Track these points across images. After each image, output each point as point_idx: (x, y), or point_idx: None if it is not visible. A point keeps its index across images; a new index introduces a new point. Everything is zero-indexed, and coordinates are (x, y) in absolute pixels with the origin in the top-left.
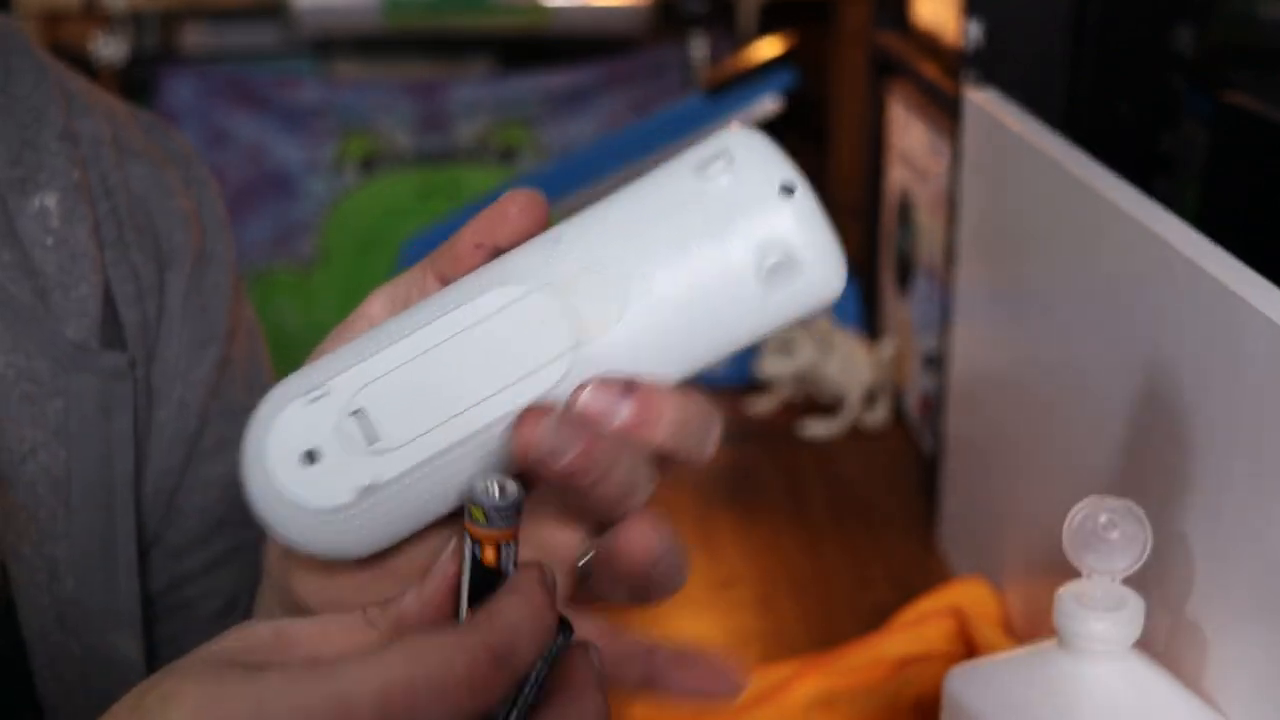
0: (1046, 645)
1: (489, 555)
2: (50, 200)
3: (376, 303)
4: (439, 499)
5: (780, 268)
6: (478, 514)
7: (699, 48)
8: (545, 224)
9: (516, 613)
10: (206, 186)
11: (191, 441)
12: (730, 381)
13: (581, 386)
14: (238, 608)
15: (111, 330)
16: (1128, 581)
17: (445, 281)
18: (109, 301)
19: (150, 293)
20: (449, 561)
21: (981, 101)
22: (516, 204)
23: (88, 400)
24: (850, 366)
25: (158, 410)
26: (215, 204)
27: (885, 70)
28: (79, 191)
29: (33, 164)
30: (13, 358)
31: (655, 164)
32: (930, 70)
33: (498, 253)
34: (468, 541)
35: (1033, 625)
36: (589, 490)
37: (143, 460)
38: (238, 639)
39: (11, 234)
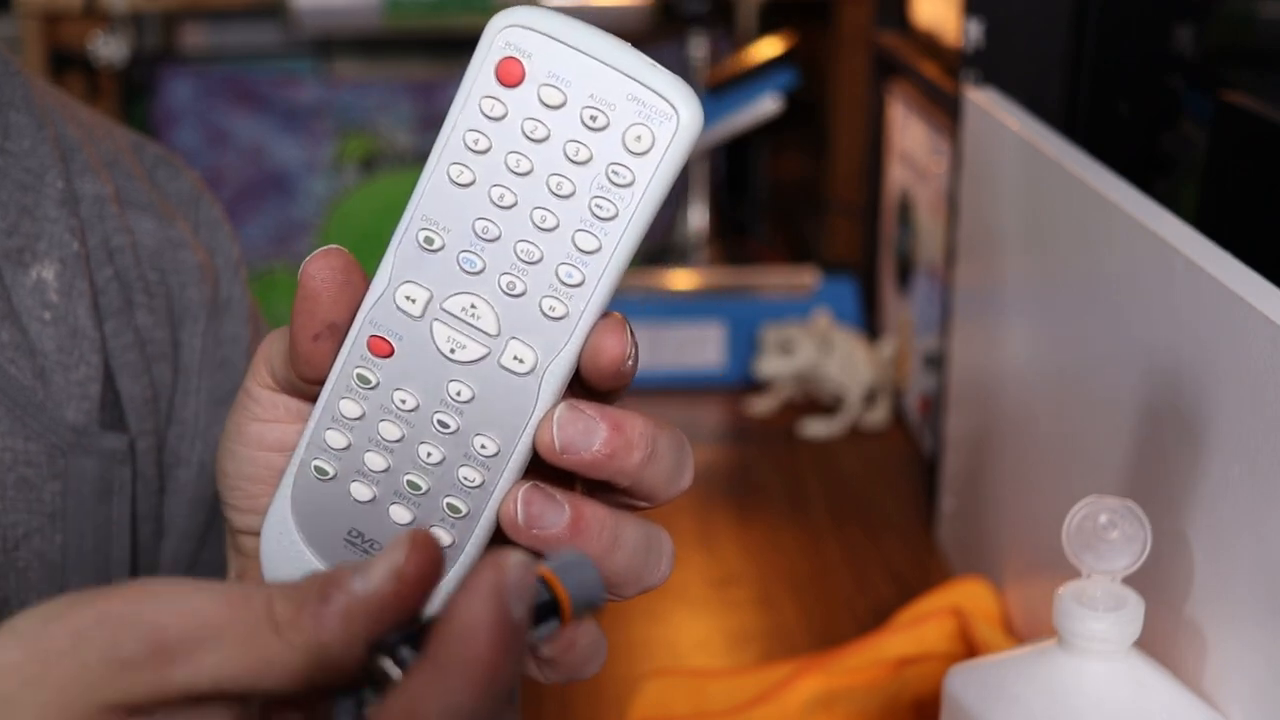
0: (1046, 645)
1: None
2: (48, 273)
3: (275, 404)
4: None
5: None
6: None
7: (699, 47)
8: (354, 267)
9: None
10: (219, 228)
11: (213, 504)
12: (730, 381)
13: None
14: None
15: (113, 410)
16: (1128, 581)
17: (311, 382)
18: (109, 380)
19: (160, 359)
20: (422, 542)
21: (981, 101)
22: (318, 275)
23: (86, 484)
24: (850, 366)
25: (177, 472)
26: (228, 246)
27: (885, 70)
28: (79, 262)
29: (30, 233)
30: (10, 441)
31: None
32: (930, 70)
33: (341, 330)
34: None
35: (1032, 625)
36: (635, 473)
37: (160, 531)
38: (110, 641)
39: (10, 311)
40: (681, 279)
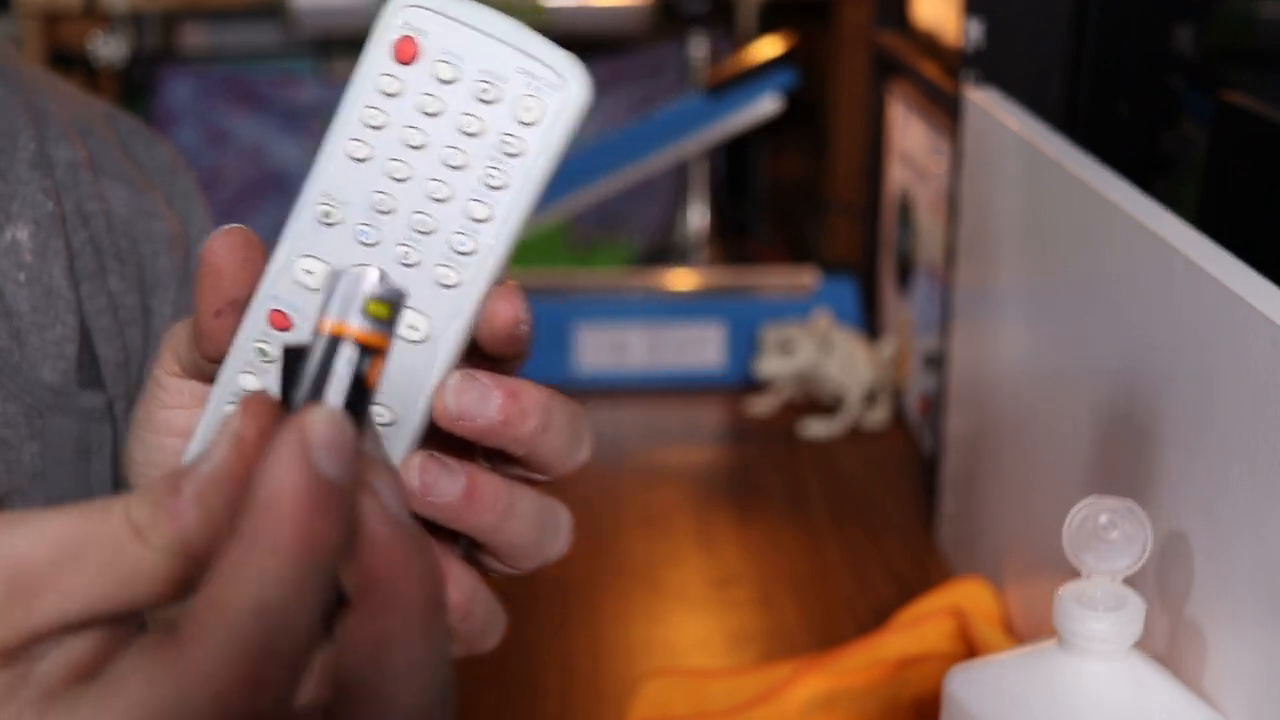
0: (1046, 645)
1: (376, 372)
2: (23, 233)
3: (182, 390)
4: None
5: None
6: (381, 310)
7: (699, 47)
8: (255, 245)
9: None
10: (193, 199)
11: None
12: (730, 381)
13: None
14: None
15: (90, 370)
16: (1128, 581)
17: (213, 360)
18: (86, 340)
19: (131, 323)
20: (254, 404)
21: (981, 101)
22: (220, 252)
23: (65, 444)
24: (850, 366)
25: None
26: (202, 218)
27: (885, 70)
28: (53, 223)
29: (3, 194)
30: None
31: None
32: (930, 70)
33: (242, 306)
34: (350, 353)
35: (1033, 625)
36: (530, 441)
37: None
38: None
39: None
40: (681, 279)
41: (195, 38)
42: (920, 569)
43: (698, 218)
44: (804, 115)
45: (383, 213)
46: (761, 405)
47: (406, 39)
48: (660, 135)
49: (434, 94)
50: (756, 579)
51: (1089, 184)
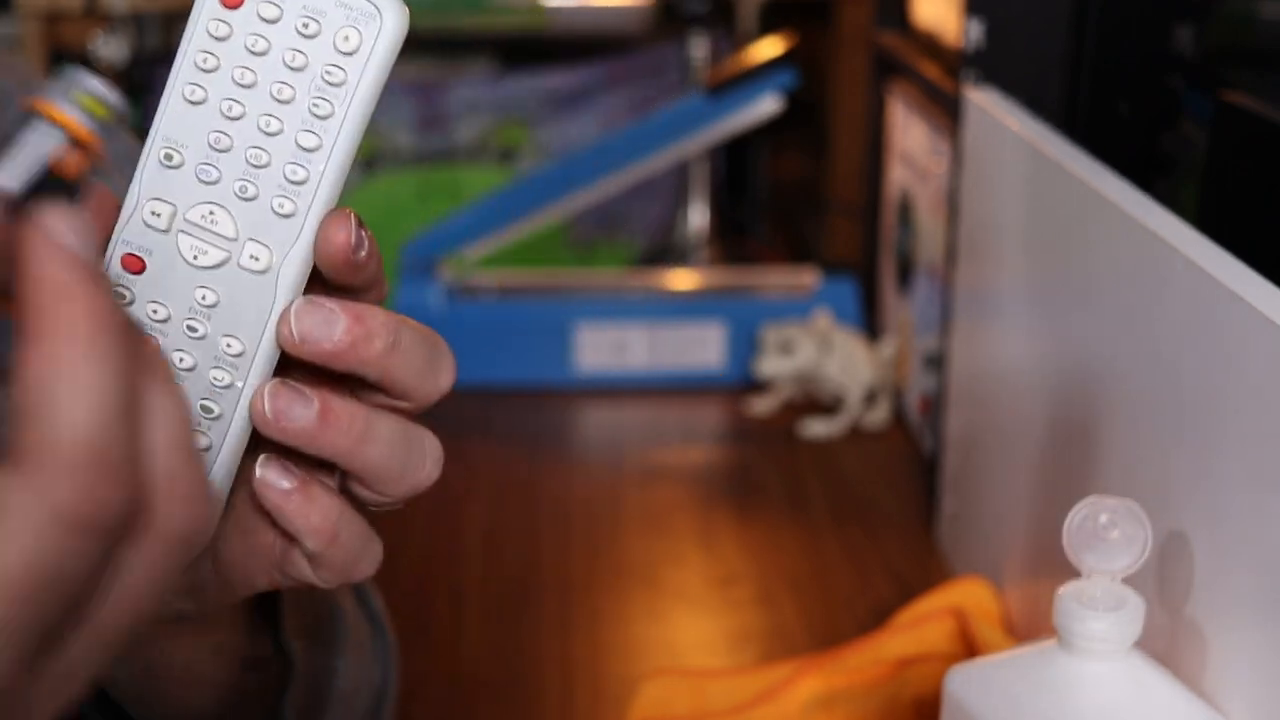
0: (1047, 645)
1: (73, 163)
2: None
3: None
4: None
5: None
6: (91, 104)
7: (699, 48)
8: (106, 196)
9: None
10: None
11: None
12: (730, 381)
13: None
14: None
15: None
16: (1128, 581)
17: None
18: None
19: None
20: None
21: (981, 101)
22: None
23: None
24: (850, 366)
25: None
26: None
27: (885, 70)
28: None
29: None
30: None
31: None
32: (930, 70)
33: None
34: (43, 133)
35: (1033, 625)
36: (379, 363)
37: None
38: None
39: None
40: (681, 279)
41: None
42: (920, 569)
43: (698, 218)
44: (804, 115)
45: (220, 150)
46: (761, 405)
47: None
48: (660, 135)
49: (260, 33)
50: (757, 579)
51: (1089, 184)
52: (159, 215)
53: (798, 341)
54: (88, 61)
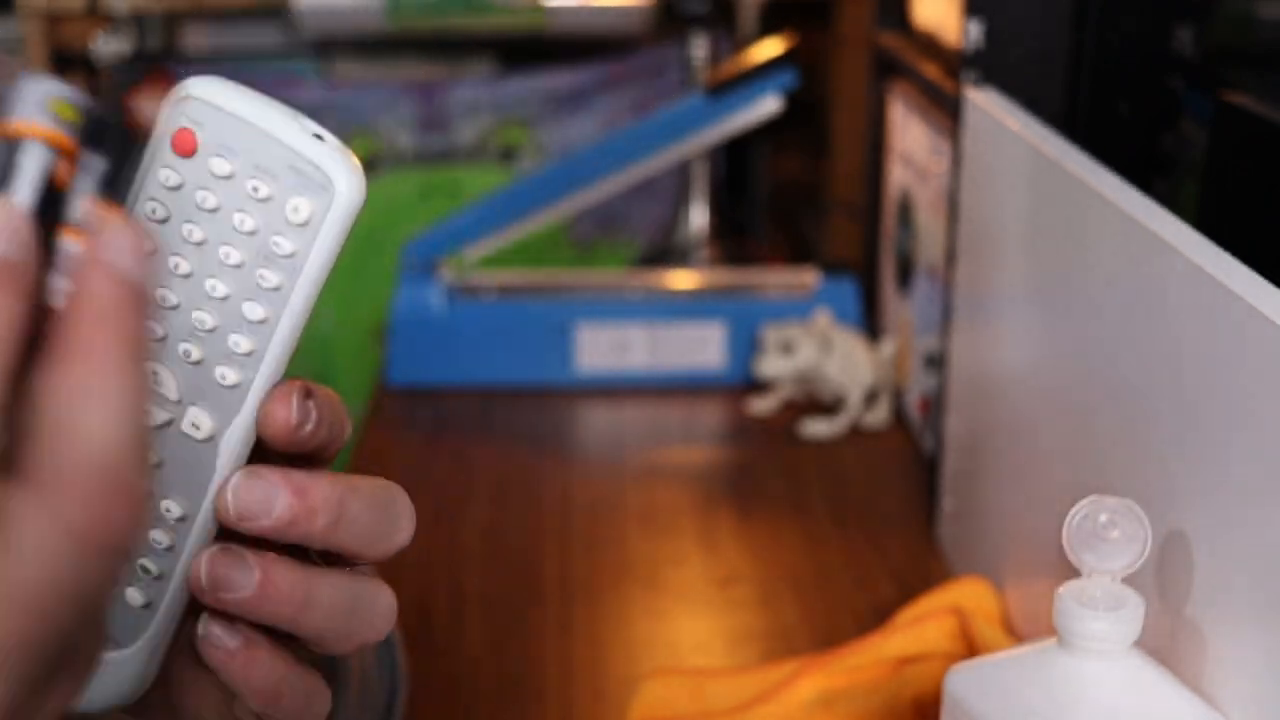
0: (1046, 644)
1: (64, 172)
2: None
3: None
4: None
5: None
6: (67, 112)
7: (699, 48)
8: None
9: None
10: None
11: None
12: (730, 381)
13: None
14: None
15: None
16: (1127, 581)
17: None
18: None
19: None
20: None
21: (982, 101)
22: None
23: None
24: (850, 366)
25: None
26: None
27: (885, 70)
28: None
29: None
30: None
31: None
32: (931, 70)
33: None
34: (35, 154)
35: (1033, 624)
36: (324, 537)
37: None
38: None
39: None
40: (681, 279)
41: (197, 38)
42: (920, 569)
43: (698, 218)
44: (804, 115)
45: (167, 308)
46: (762, 405)
47: (185, 131)
48: (660, 135)
49: (211, 189)
50: (757, 579)
51: (1089, 184)
52: None
53: (798, 341)
54: (89, 62)
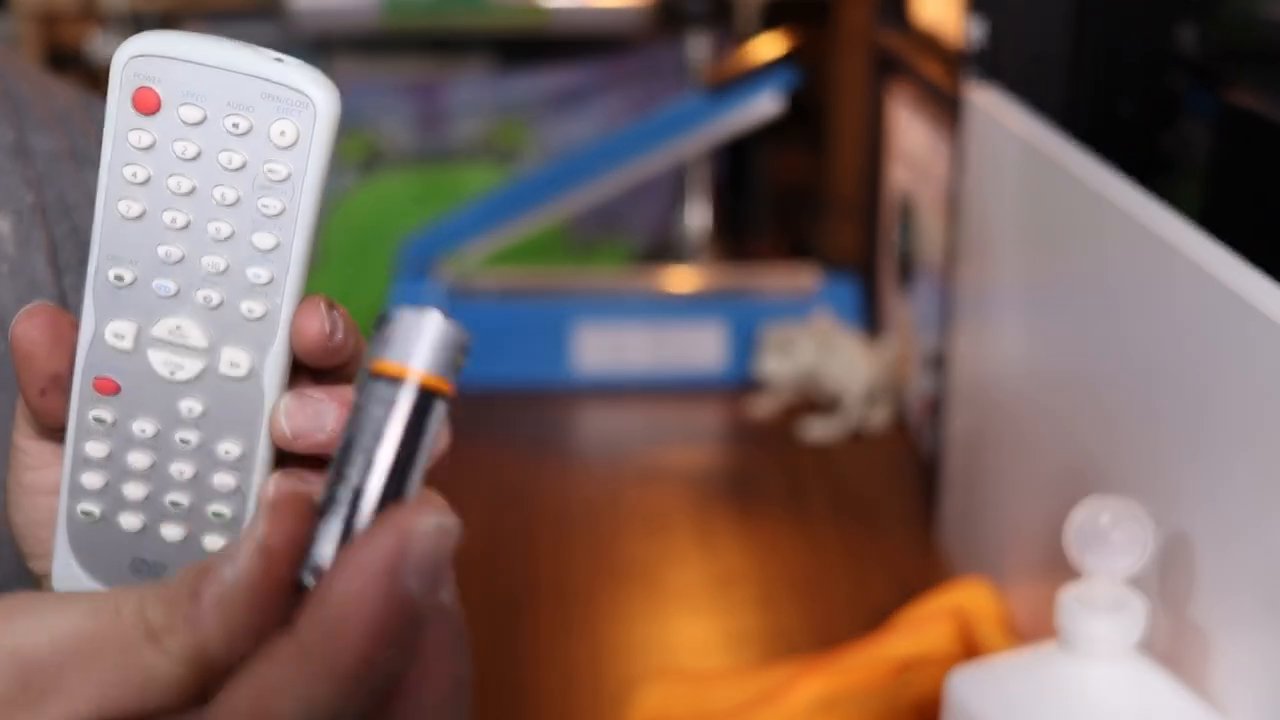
0: (1048, 646)
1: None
2: (4, 225)
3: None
4: None
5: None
6: (461, 360)
7: (699, 47)
8: (62, 319)
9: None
10: None
11: None
12: (730, 382)
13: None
14: None
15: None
16: (1130, 582)
17: (55, 433)
18: None
19: None
20: (281, 507)
21: (982, 101)
22: (26, 335)
23: None
24: (850, 367)
25: None
26: None
27: (886, 70)
28: (34, 214)
29: None
30: None
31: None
32: (931, 70)
33: (65, 379)
34: (441, 411)
35: (1034, 626)
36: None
37: None
38: None
39: None
40: (681, 279)
41: None
42: (921, 570)
43: (698, 217)
44: (804, 115)
45: (172, 264)
46: (762, 405)
47: (143, 89)
48: (660, 135)
49: (187, 137)
50: (757, 580)
51: (1089, 184)
52: (122, 337)
53: (798, 342)
54: (86, 62)
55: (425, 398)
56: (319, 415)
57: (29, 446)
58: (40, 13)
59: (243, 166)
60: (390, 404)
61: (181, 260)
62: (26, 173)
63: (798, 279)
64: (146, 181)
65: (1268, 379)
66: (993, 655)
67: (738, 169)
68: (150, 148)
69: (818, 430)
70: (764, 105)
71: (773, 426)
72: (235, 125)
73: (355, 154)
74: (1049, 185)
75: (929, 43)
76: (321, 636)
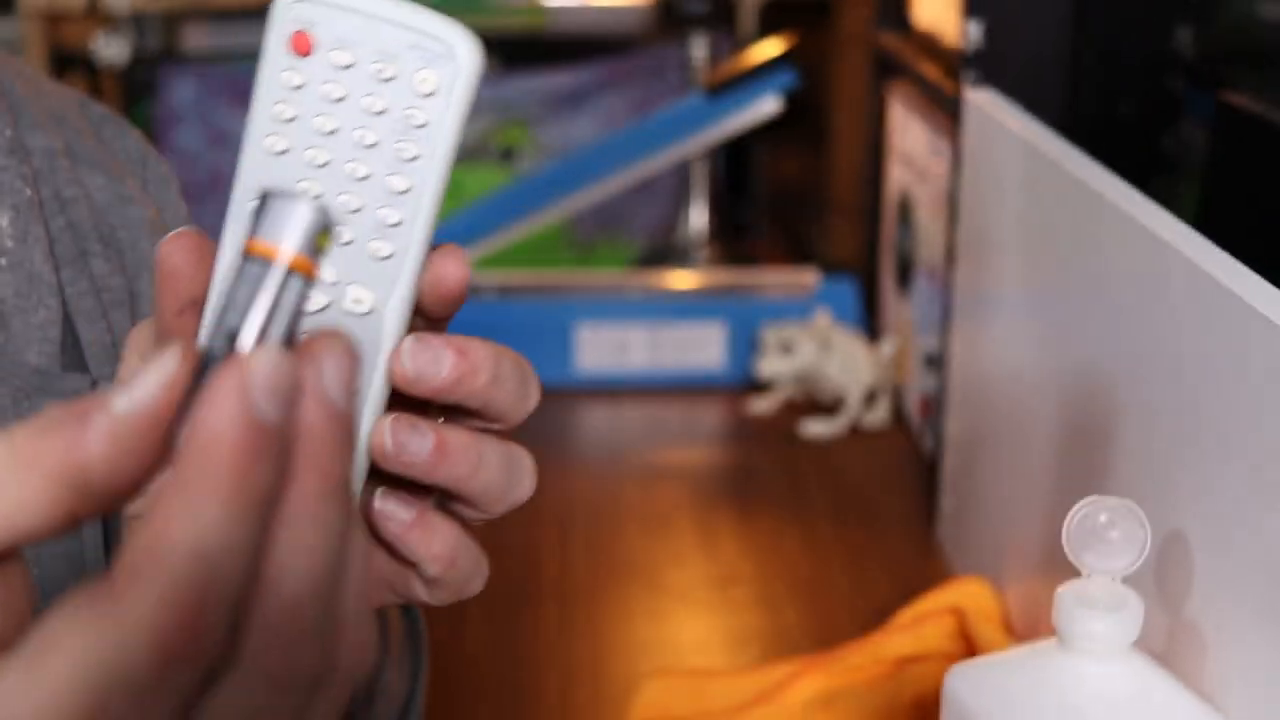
0: (1046, 645)
1: (306, 299)
2: (3, 220)
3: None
4: None
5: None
6: (325, 242)
7: (699, 48)
8: (207, 245)
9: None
10: (167, 185)
11: None
12: (730, 381)
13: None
14: None
15: (73, 353)
16: (1127, 581)
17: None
18: (69, 323)
19: (117, 305)
20: (179, 358)
21: (981, 102)
22: (174, 256)
23: None
24: (850, 366)
25: None
26: (177, 204)
27: (885, 71)
28: (31, 209)
29: None
30: None
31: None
32: (930, 71)
33: (201, 303)
34: (298, 286)
35: (1032, 624)
36: (483, 394)
37: None
38: None
39: None
40: (681, 279)
41: (197, 38)
42: (920, 569)
43: (698, 218)
44: (804, 115)
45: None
46: (762, 405)
47: (299, 34)
48: (660, 135)
49: (335, 80)
50: (757, 579)
51: (1088, 185)
52: None
53: (798, 341)
54: (89, 62)
55: (289, 276)
56: (437, 360)
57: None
58: (45, 13)
59: (384, 111)
60: (258, 281)
61: (320, 196)
62: (23, 169)
63: (797, 279)
64: (293, 120)
65: (1264, 378)
66: (991, 653)
67: (737, 170)
68: (299, 88)
69: (817, 430)
70: (764, 106)
71: (773, 426)
72: (380, 71)
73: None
74: (1047, 186)
75: (928, 44)
76: (194, 464)
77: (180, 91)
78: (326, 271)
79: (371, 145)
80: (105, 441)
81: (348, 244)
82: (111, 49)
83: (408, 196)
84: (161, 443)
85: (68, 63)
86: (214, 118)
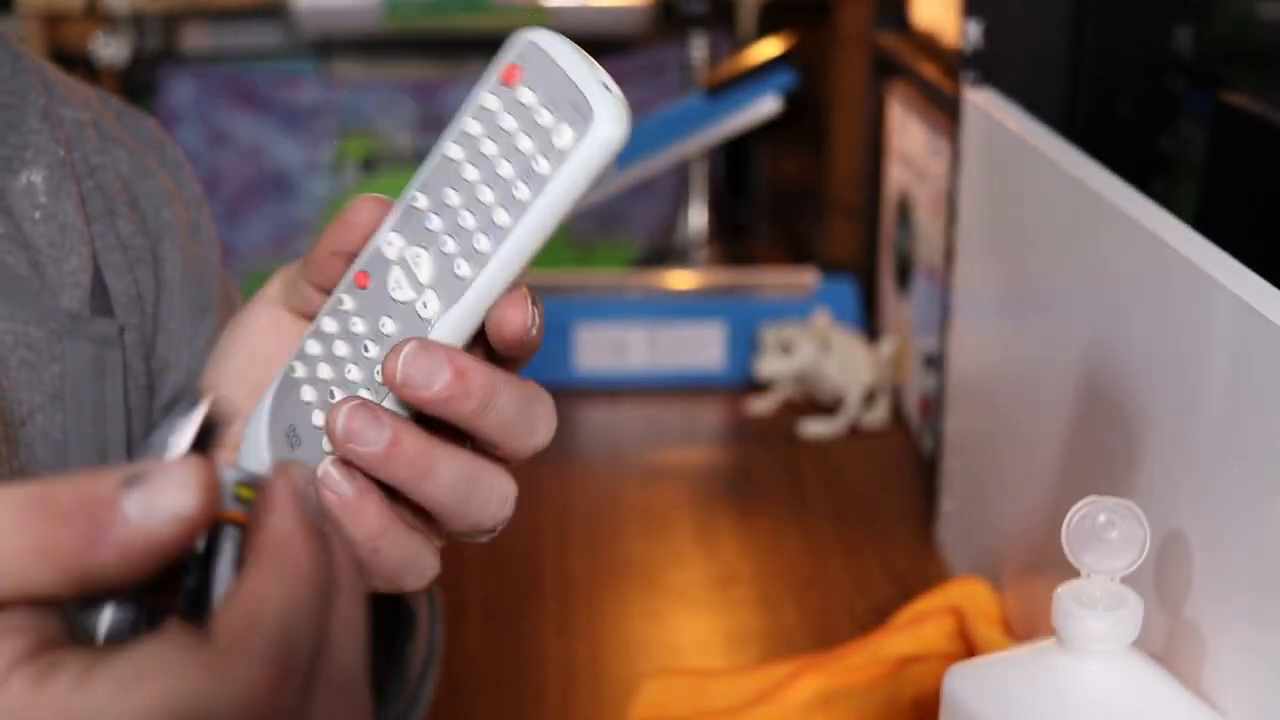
0: (1045, 644)
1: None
2: (37, 176)
3: (264, 315)
4: None
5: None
6: (247, 494)
7: (699, 48)
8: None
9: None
10: (181, 168)
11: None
12: (730, 381)
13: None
14: None
15: (101, 300)
16: (1126, 581)
17: (317, 288)
18: (98, 272)
19: (141, 264)
20: (209, 487)
21: (981, 102)
22: (364, 211)
23: (82, 365)
24: (850, 366)
25: (167, 375)
26: (192, 184)
27: (885, 71)
28: (64, 168)
29: (17, 144)
30: (11, 324)
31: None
32: (930, 71)
33: (349, 257)
34: (233, 537)
35: (1031, 624)
36: (470, 420)
37: (144, 426)
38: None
39: (4, 208)
40: (681, 279)
41: (196, 38)
42: (920, 569)
43: (698, 218)
44: (804, 115)
45: (446, 205)
46: (761, 405)
47: (512, 65)
48: (660, 135)
49: (512, 113)
50: (756, 579)
51: (1088, 184)
52: (392, 245)
53: (798, 341)
54: (89, 62)
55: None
56: (432, 372)
57: (265, 313)
58: (44, 13)
59: (523, 151)
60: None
61: (451, 206)
62: (56, 132)
63: (797, 279)
64: (474, 135)
65: (1263, 378)
66: (990, 653)
67: (737, 170)
68: (490, 110)
69: (817, 430)
70: (763, 106)
71: (772, 426)
72: (538, 115)
73: (355, 154)
74: (1046, 186)
75: (928, 44)
76: (276, 551)
77: (179, 92)
78: (424, 271)
79: (504, 177)
80: (115, 553)
81: (448, 255)
82: (111, 49)
83: (500, 233)
84: (166, 559)
85: (67, 63)
86: (213, 118)
